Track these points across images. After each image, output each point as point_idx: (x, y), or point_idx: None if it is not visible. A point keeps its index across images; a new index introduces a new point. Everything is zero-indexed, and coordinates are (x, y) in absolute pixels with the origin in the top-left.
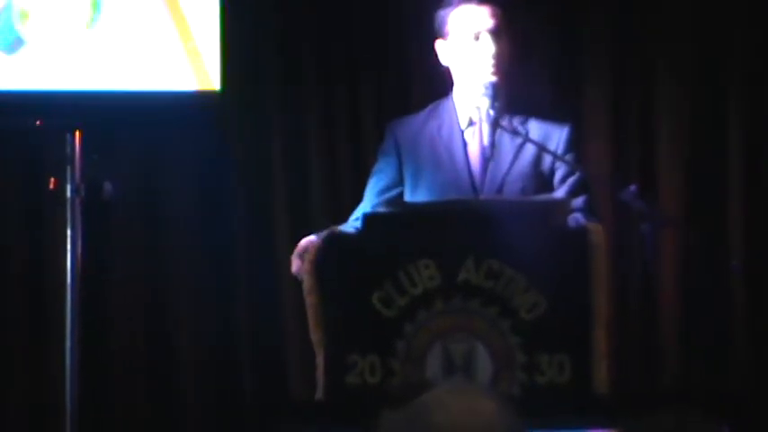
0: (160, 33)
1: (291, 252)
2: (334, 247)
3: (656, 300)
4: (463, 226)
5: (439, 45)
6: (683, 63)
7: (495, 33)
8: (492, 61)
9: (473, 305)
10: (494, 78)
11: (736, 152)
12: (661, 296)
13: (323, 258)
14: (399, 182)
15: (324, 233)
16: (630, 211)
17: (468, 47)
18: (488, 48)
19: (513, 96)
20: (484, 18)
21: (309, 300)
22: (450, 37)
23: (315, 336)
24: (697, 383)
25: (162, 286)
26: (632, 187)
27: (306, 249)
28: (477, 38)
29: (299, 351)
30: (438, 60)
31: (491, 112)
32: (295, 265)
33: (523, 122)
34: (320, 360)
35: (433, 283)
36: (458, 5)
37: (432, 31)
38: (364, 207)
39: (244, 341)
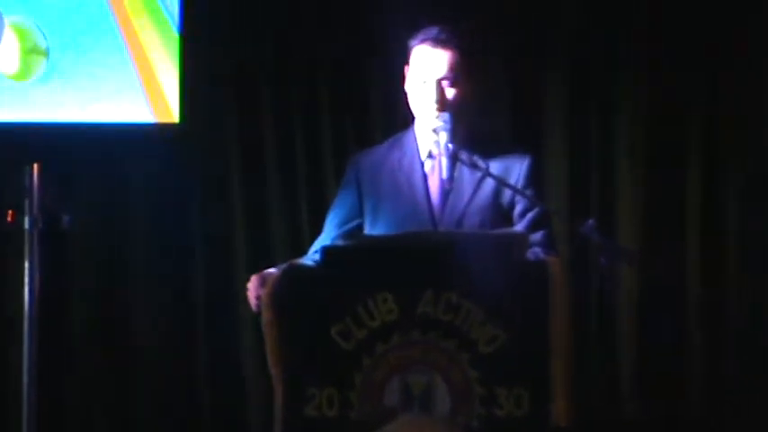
0: (119, 66)
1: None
2: (293, 280)
3: (614, 332)
4: (422, 259)
5: (407, 71)
6: (642, 99)
7: (448, 79)
8: (435, 106)
9: (432, 338)
10: (444, 113)
11: (694, 187)
12: (619, 328)
13: (281, 291)
14: (359, 214)
15: (282, 266)
16: (589, 244)
17: (417, 88)
18: (431, 95)
19: (474, 130)
20: (436, 64)
21: (268, 332)
22: (409, 71)
23: (273, 369)
24: (655, 413)
25: (120, 319)
26: (590, 221)
27: (260, 283)
28: (428, 82)
29: (258, 384)
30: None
31: (450, 146)
32: (251, 298)
33: (483, 156)
34: (279, 393)
35: (392, 316)
36: (419, 43)
37: (391, 62)
38: (324, 239)
39: (203, 373)
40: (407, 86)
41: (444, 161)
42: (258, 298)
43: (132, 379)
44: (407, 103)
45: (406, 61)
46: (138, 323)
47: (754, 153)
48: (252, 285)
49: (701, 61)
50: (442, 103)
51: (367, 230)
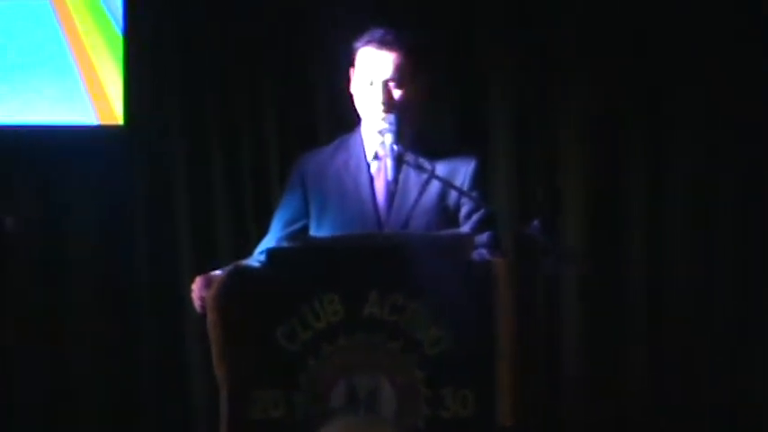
0: (63, 68)
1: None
2: (238, 282)
3: (559, 332)
4: (368, 260)
5: (352, 73)
6: (586, 100)
7: (394, 80)
8: (382, 107)
9: (377, 339)
10: (390, 115)
11: (638, 189)
12: (564, 328)
13: (227, 293)
14: (304, 215)
15: (228, 268)
16: (534, 245)
17: (363, 90)
18: (378, 97)
19: (420, 132)
20: (381, 66)
21: (213, 334)
22: (354, 73)
23: (219, 371)
24: (601, 413)
25: (63, 322)
26: (536, 222)
27: (205, 284)
28: (374, 83)
29: (203, 385)
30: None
31: (395, 147)
32: (196, 300)
33: (429, 158)
34: (224, 395)
35: (338, 317)
36: (364, 45)
37: (336, 64)
38: (269, 240)
39: (146, 375)
40: (353, 88)
41: (389, 162)
42: (203, 299)
43: (73, 381)
44: (353, 105)
45: (350, 63)
46: (80, 325)
47: (698, 155)
48: (197, 287)
49: (646, 61)
50: (389, 105)
51: (313, 232)
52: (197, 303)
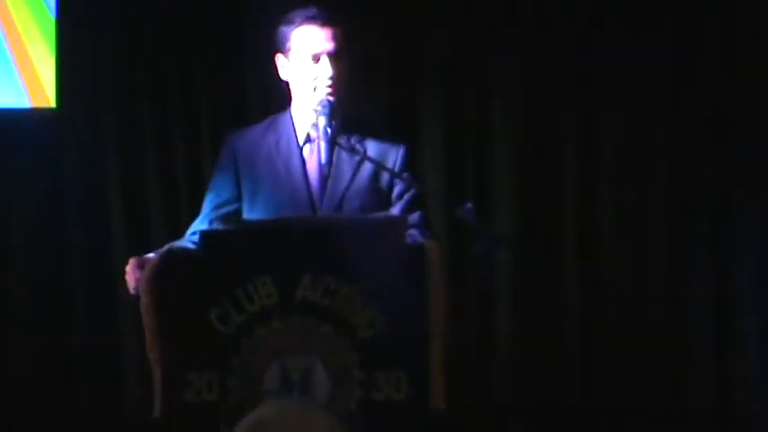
0: None
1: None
2: (171, 264)
3: (491, 314)
4: (300, 243)
5: (279, 60)
6: (519, 78)
7: (335, 55)
8: (329, 83)
9: (310, 322)
10: (330, 98)
11: (570, 174)
12: (496, 311)
13: (160, 276)
14: (237, 197)
15: (161, 250)
16: (466, 228)
17: (307, 67)
18: (326, 70)
19: (350, 115)
20: (324, 40)
21: (146, 317)
22: (290, 54)
23: (152, 353)
24: (531, 399)
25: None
26: (468, 205)
27: (138, 266)
28: (316, 59)
29: (137, 367)
30: (276, 74)
31: (328, 130)
32: (130, 282)
33: (361, 141)
34: (157, 377)
35: (271, 300)
36: (300, 24)
37: (272, 45)
38: (201, 221)
39: (80, 359)
40: (288, 70)
41: (323, 145)
42: (137, 281)
43: (6, 367)
44: (283, 88)
45: (276, 49)
46: (13, 308)
47: (629, 143)
48: (130, 268)
49: (580, 47)
50: (336, 79)
51: (245, 214)
52: (130, 285)
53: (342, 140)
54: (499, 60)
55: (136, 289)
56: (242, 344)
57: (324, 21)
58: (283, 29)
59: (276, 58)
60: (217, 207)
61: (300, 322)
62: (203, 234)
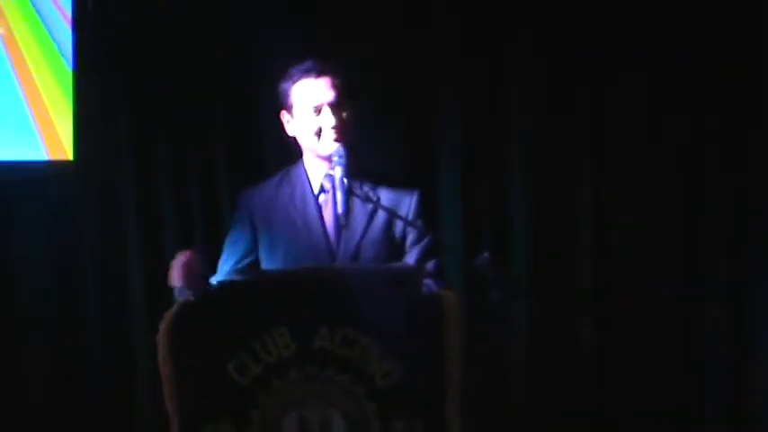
0: (12, 103)
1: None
2: (189, 316)
3: (507, 364)
4: (318, 293)
5: (284, 117)
6: (533, 130)
7: (336, 104)
8: (333, 131)
9: (328, 372)
10: (339, 147)
11: (584, 221)
12: (512, 361)
13: (178, 327)
14: (254, 249)
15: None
16: (483, 277)
17: (310, 120)
18: (329, 120)
19: (363, 161)
20: (323, 91)
21: (164, 368)
22: (293, 110)
23: (170, 404)
24: None
25: (11, 359)
26: (485, 254)
27: (188, 261)
28: (318, 111)
29: (154, 418)
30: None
31: (345, 180)
32: (175, 272)
33: (374, 189)
34: (175, 429)
35: (288, 350)
36: (298, 80)
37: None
38: (219, 277)
39: (97, 412)
40: (293, 126)
41: (339, 195)
42: (181, 272)
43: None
44: (293, 144)
45: (280, 107)
46: (29, 362)
47: (643, 194)
48: (178, 261)
49: (589, 96)
50: (340, 128)
51: (263, 266)
52: (174, 275)
53: (356, 190)
54: (513, 108)
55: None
56: (259, 395)
57: (319, 72)
58: (283, 86)
59: (282, 116)
60: (236, 262)
61: (318, 372)
62: (220, 284)
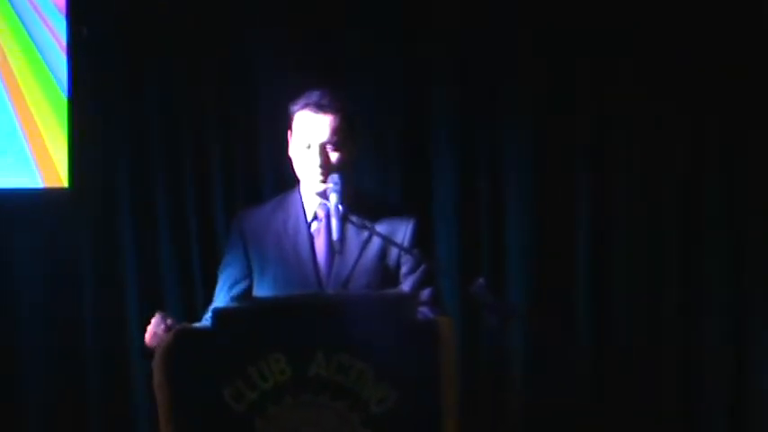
0: (6, 130)
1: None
2: (185, 342)
3: (504, 389)
4: (313, 320)
5: (290, 136)
6: (529, 150)
7: (332, 143)
8: (319, 170)
9: (323, 399)
10: (334, 175)
11: (583, 242)
12: (509, 385)
13: (173, 353)
14: (248, 274)
15: (174, 329)
16: (479, 303)
17: (301, 153)
18: (315, 159)
19: (358, 191)
20: (319, 129)
21: (160, 394)
22: (292, 136)
23: (165, 430)
24: None
25: (10, 391)
26: (480, 280)
27: (161, 321)
28: (308, 147)
29: None
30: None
31: (340, 207)
32: (148, 334)
33: (369, 217)
34: None
35: (284, 377)
36: (300, 109)
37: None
38: (217, 299)
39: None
40: (291, 151)
41: (334, 222)
42: (153, 335)
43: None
44: (292, 167)
45: (287, 126)
46: (29, 394)
47: (642, 211)
48: (154, 321)
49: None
50: (326, 168)
51: (255, 292)
52: (147, 336)
53: (353, 217)
54: (512, 137)
55: (150, 342)
56: (255, 421)
57: (319, 108)
58: (290, 107)
59: (288, 134)
60: (230, 287)
61: (313, 399)
62: (216, 312)
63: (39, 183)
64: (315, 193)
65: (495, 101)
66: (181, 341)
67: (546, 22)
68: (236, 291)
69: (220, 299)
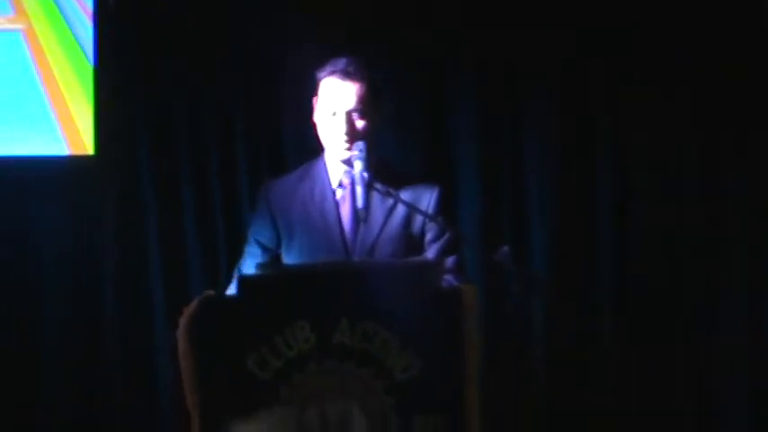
0: (32, 98)
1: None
2: (209, 311)
3: (526, 358)
4: (338, 288)
5: (315, 102)
6: (552, 119)
7: (355, 111)
8: (345, 138)
9: (348, 366)
10: (359, 142)
11: (604, 213)
12: (531, 354)
13: (198, 321)
14: (276, 244)
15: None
16: (502, 271)
17: (327, 120)
18: (341, 127)
19: (382, 159)
20: (344, 96)
21: (184, 363)
22: (317, 103)
23: (190, 399)
24: None
25: (31, 356)
26: (505, 248)
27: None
28: (334, 114)
29: (175, 414)
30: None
31: (365, 175)
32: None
33: (394, 186)
34: (195, 423)
35: (308, 344)
36: (326, 76)
37: (305, 91)
38: (249, 265)
39: (118, 407)
40: (316, 118)
41: (359, 190)
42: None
43: (43, 421)
44: (316, 134)
45: (313, 93)
46: (50, 359)
47: (666, 188)
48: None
49: (611, 85)
50: (352, 135)
51: (283, 260)
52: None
53: (377, 184)
54: (533, 106)
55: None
56: (280, 389)
57: (346, 75)
58: (317, 74)
59: (314, 101)
60: (258, 254)
61: (338, 366)
62: (241, 279)
63: (64, 150)
64: (340, 161)
65: (516, 70)
66: (206, 309)
67: None
68: (262, 260)
69: (247, 266)
